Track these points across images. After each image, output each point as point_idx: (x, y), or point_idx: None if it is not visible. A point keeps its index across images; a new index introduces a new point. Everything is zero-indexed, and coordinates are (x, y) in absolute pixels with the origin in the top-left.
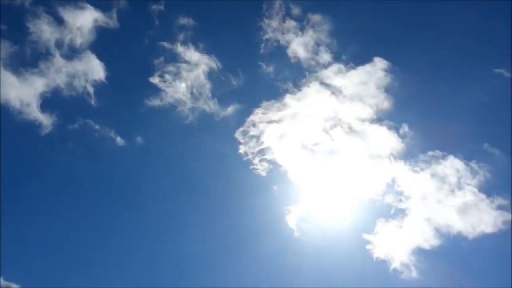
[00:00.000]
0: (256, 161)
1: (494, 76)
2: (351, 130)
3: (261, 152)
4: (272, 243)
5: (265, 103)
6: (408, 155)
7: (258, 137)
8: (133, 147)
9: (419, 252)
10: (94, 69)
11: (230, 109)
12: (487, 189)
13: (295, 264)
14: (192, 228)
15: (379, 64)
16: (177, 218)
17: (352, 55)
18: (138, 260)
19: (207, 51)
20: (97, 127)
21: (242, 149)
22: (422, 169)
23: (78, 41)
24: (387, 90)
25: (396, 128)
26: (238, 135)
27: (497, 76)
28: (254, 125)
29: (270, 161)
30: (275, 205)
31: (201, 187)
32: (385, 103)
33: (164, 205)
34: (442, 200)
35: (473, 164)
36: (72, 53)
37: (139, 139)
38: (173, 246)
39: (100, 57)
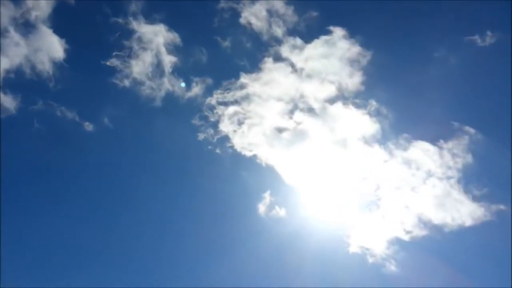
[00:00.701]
0: (217, 146)
1: (467, 44)
2: (315, 111)
3: (222, 137)
4: (240, 232)
5: (224, 83)
6: (379, 138)
7: (217, 122)
8: (97, 129)
9: (396, 243)
10: (53, 46)
11: (191, 90)
12: (465, 176)
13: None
14: (154, 214)
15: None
16: (140, 202)
17: (308, 25)
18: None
19: (166, 24)
20: (58, 108)
21: (203, 135)
22: (394, 154)
23: (34, 16)
24: (351, 64)
25: (364, 107)
26: (198, 119)
27: (470, 43)
28: (213, 108)
29: (232, 147)
30: (242, 192)
31: (164, 171)
32: (350, 79)
33: (128, 189)
34: (417, 187)
35: (446, 145)
36: (28, 29)
37: (102, 121)
38: (135, 229)
39: (57, 34)
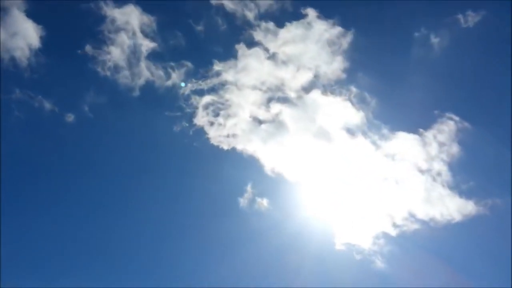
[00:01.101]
0: (194, 138)
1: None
2: (293, 100)
3: (198, 129)
4: (221, 226)
5: (199, 71)
6: (362, 128)
7: (193, 113)
8: (73, 120)
9: (383, 238)
10: (27, 32)
11: (169, 78)
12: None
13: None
14: (135, 204)
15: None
16: (120, 192)
17: (281, 8)
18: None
19: (139, 7)
20: (35, 98)
21: (179, 127)
22: (378, 144)
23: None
24: (329, 47)
25: (345, 94)
26: (174, 110)
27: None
28: (188, 98)
29: (208, 139)
30: (222, 186)
31: (141, 165)
32: (329, 64)
33: (106, 181)
34: (403, 180)
35: (432, 134)
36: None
37: (79, 111)
38: (108, 222)
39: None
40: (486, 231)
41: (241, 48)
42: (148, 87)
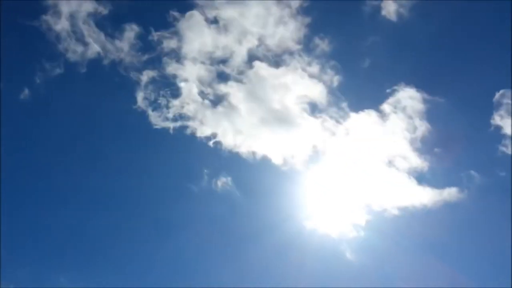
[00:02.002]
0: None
1: None
2: (240, 73)
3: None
4: (179, 211)
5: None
6: (321, 104)
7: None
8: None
9: (352, 227)
10: None
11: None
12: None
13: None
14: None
15: None
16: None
17: None
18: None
19: None
20: None
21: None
22: (338, 123)
23: None
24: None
25: (299, 66)
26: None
27: None
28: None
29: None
30: (177, 169)
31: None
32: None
33: (50, 169)
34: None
35: (396, 110)
36: None
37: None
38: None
39: None
40: (456, 216)
41: (176, 14)
42: (80, 62)
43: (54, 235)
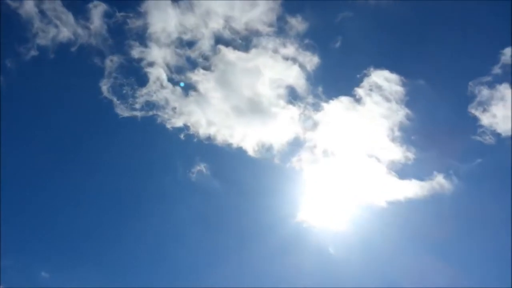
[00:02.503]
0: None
1: None
2: (208, 57)
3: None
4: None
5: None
6: (296, 91)
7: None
8: None
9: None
10: None
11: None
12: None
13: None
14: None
15: None
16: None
17: None
18: None
19: None
20: None
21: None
22: (315, 110)
23: None
24: None
25: (272, 49)
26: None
27: None
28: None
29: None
30: (155, 158)
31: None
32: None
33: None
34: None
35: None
36: None
37: None
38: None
39: None
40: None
41: None
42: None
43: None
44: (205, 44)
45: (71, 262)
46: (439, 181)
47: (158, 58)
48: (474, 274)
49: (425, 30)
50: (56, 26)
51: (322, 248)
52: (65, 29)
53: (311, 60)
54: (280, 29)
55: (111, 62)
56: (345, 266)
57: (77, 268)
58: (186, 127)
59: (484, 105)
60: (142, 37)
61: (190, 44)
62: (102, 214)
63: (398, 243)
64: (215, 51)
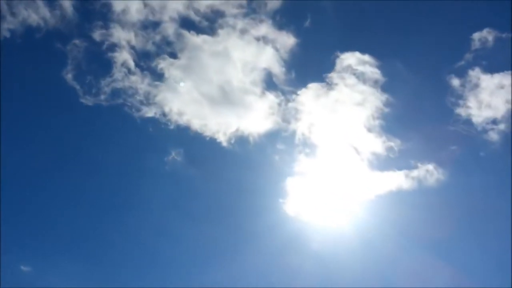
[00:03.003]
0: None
1: None
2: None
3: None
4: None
5: None
6: (276, 74)
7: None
8: None
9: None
10: None
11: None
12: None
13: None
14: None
15: None
16: None
17: None
18: None
19: None
20: None
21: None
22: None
23: None
24: None
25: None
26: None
27: None
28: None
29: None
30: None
31: None
32: None
33: None
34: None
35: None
36: None
37: None
38: None
39: None
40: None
41: None
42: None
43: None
44: (170, 28)
45: (51, 254)
46: (425, 171)
47: (123, 41)
48: (464, 265)
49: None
50: (13, 9)
51: (302, 241)
52: (25, 12)
53: (285, 41)
54: (250, 8)
55: (74, 46)
56: (330, 259)
57: (58, 261)
58: (155, 117)
59: (466, 90)
60: (106, 19)
61: (155, 27)
62: (73, 206)
63: (387, 237)
64: (178, 35)
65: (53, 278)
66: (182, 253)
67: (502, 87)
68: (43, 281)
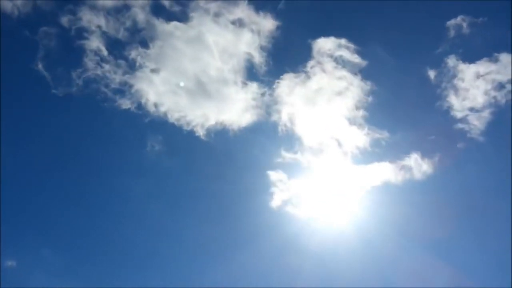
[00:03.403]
0: None
1: None
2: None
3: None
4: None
5: None
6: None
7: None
8: None
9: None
10: None
11: None
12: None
13: None
14: None
15: None
16: None
17: None
18: None
19: None
20: None
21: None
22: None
23: None
24: None
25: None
26: None
27: None
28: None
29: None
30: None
31: None
32: None
33: None
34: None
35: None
36: None
37: None
38: None
39: None
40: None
41: None
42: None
43: None
44: (139, 16)
45: (35, 248)
46: (413, 162)
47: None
48: (459, 260)
49: None
50: None
51: (285, 235)
52: None
53: (264, 24)
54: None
55: (44, 33)
56: (318, 254)
57: (43, 256)
58: (131, 109)
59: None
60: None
61: (125, 15)
62: (52, 199)
63: (377, 231)
64: (148, 23)
65: (38, 274)
66: (156, 248)
67: (481, 75)
68: (28, 277)
